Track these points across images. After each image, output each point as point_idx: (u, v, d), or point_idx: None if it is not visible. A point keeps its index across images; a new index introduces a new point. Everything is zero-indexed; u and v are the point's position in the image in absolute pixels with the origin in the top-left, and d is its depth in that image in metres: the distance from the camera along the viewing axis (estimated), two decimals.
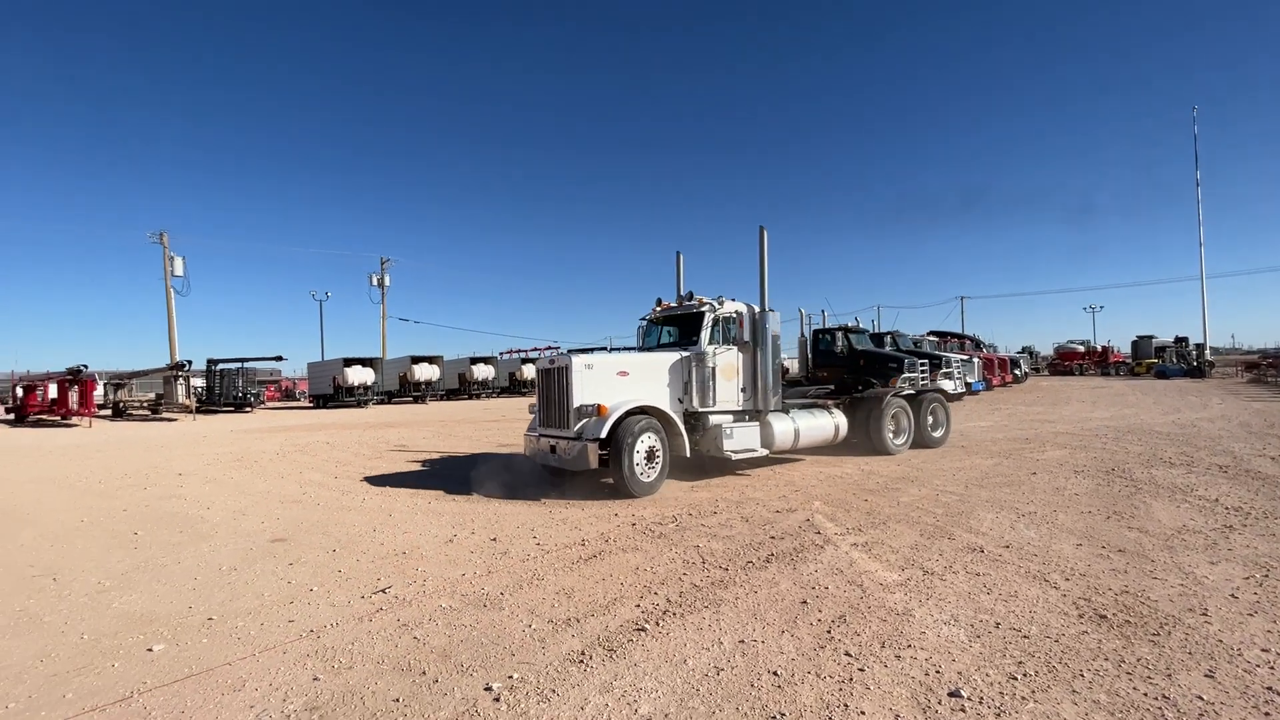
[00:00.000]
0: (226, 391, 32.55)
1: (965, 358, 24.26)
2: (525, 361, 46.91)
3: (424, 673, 3.42)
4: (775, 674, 3.29)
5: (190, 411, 29.22)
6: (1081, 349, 54.61)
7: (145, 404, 30.36)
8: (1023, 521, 6.19)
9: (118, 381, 30.67)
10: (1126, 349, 54.19)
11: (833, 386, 12.66)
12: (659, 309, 9.88)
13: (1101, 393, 26.01)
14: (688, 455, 8.37)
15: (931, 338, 28.46)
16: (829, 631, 3.79)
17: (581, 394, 7.92)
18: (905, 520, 6.36)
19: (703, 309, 9.00)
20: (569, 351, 8.61)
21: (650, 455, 7.87)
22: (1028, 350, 55.99)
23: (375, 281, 49.26)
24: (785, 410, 9.58)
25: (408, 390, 39.10)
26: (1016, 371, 34.22)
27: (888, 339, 20.38)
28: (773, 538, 5.89)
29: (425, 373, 39.63)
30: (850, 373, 17.43)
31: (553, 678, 3.31)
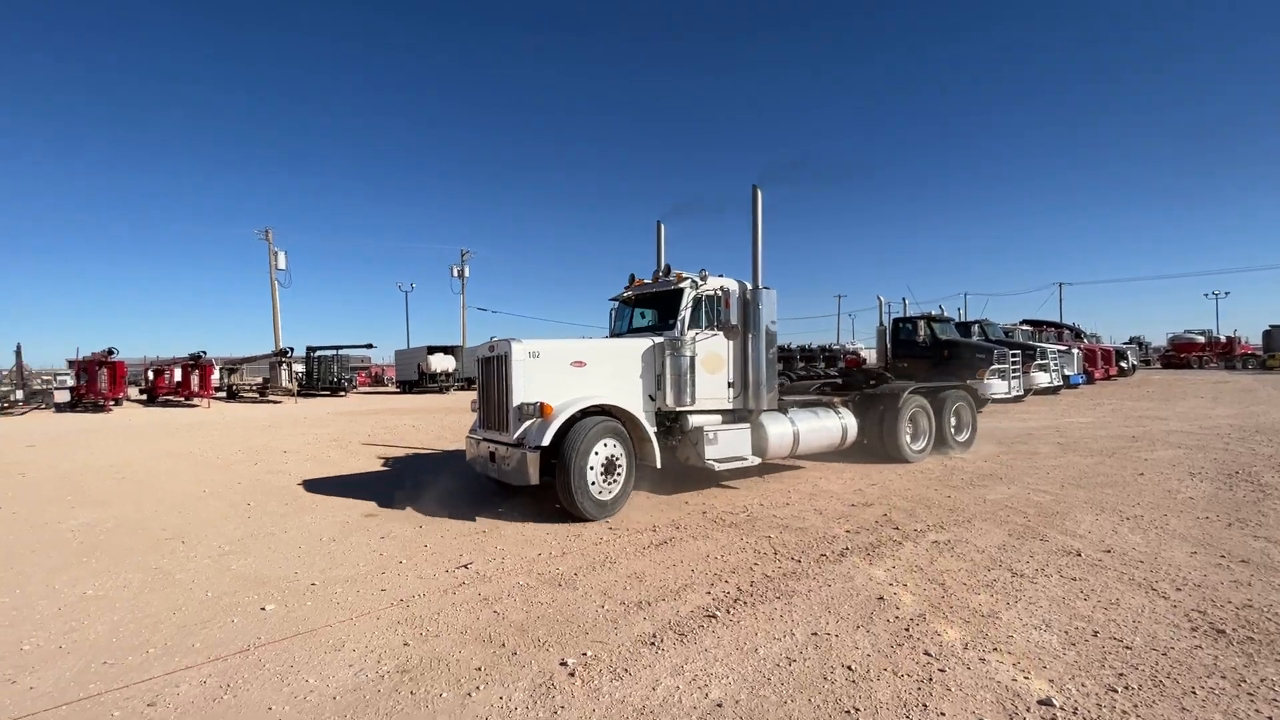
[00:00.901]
0: (324, 376, 35.04)
1: (1063, 348, 22.61)
2: None
3: (503, 645, 3.59)
4: (849, 669, 3.23)
5: (292, 395, 31.64)
6: (1201, 340, 49.49)
7: (254, 387, 33.21)
8: (1127, 525, 5.73)
9: (231, 366, 33.63)
10: (1256, 340, 48.66)
11: (840, 380, 11.64)
12: (631, 287, 8.45)
13: (1224, 388, 23.51)
14: (658, 466, 6.90)
15: (1025, 327, 26.61)
16: (907, 629, 3.67)
17: (523, 390, 6.48)
18: (992, 519, 6.03)
19: (681, 285, 7.55)
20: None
21: (609, 466, 6.45)
22: (1136, 341, 51.40)
23: (456, 273, 51.32)
24: (783, 409, 8.19)
25: None
26: (1123, 364, 31.52)
27: (975, 328, 19.29)
28: (848, 531, 5.75)
29: None
30: (933, 364, 16.64)
31: (625, 657, 3.40)
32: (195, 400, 28.31)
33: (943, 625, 3.71)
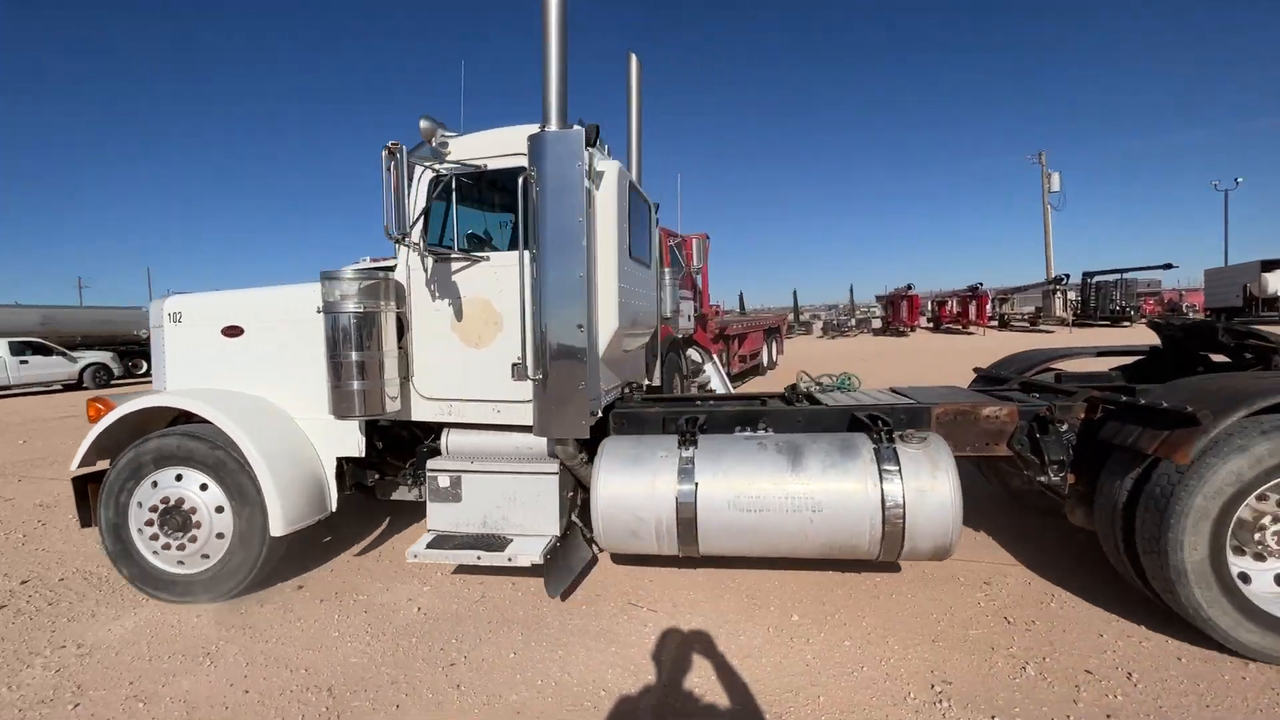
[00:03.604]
0: (1102, 305, 31.60)
1: None
2: None
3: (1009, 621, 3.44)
4: None
5: (1066, 324, 30.23)
6: None
7: (1025, 316, 33.60)
8: None
9: (1003, 296, 35.07)
10: None
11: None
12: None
13: None
14: (274, 533, 3.72)
15: None
16: None
17: (161, 375, 4.44)
18: None
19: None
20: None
21: (176, 513, 3.81)
22: None
23: None
24: (688, 434, 3.60)
25: None
26: None
27: None
28: None
29: None
30: None
31: None
32: (972, 328, 31.43)
33: None
